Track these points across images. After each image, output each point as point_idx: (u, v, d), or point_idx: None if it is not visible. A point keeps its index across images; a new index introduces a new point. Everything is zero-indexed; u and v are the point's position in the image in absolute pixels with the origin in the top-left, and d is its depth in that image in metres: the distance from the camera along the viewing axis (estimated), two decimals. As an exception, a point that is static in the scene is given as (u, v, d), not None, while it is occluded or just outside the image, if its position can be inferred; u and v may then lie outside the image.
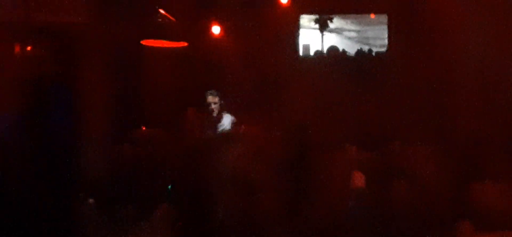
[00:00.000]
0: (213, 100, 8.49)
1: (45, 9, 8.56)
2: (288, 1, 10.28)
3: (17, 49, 8.66)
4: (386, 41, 11.07)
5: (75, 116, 8.45)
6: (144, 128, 8.91)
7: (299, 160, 6.34)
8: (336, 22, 11.34)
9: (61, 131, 8.28)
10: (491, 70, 8.95)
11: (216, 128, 8.44)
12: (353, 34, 11.39)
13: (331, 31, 11.36)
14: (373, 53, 11.15)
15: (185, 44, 8.43)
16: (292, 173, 6.17)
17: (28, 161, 7.42)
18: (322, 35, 11.31)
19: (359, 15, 11.30)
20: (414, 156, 6.14)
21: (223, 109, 8.54)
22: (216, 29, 10.20)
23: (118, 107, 8.88)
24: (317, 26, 11.31)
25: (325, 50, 11.32)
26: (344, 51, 11.23)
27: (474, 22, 9.20)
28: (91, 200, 6.27)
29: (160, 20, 8.12)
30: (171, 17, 8.21)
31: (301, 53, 11.24)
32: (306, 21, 11.29)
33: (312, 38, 11.33)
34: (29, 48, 8.87)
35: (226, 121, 8.49)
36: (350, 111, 8.96)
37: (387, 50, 11.03)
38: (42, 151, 7.91)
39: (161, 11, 8.12)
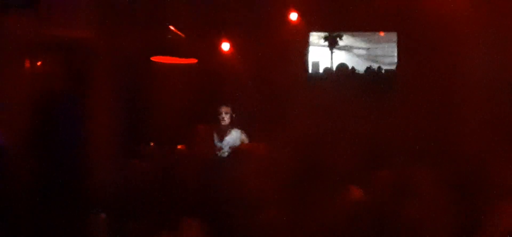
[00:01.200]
0: (225, 110, 8.50)
1: (56, 24, 8.60)
2: (297, 18, 10.30)
3: (27, 63, 8.70)
4: (395, 59, 11.07)
5: (85, 130, 8.48)
6: (152, 144, 8.92)
7: (308, 178, 6.33)
8: (345, 40, 11.33)
9: (71, 145, 8.30)
10: (503, 88, 8.94)
11: (225, 143, 8.45)
12: (362, 51, 11.38)
13: (341, 48, 11.35)
14: (383, 71, 11.14)
15: (195, 61, 8.46)
16: (300, 191, 6.16)
17: (38, 175, 7.44)
18: (332, 52, 11.31)
19: (368, 33, 11.30)
20: (423, 177, 6.12)
21: (233, 123, 8.55)
22: (225, 46, 10.23)
23: (128, 123, 8.91)
24: (326, 43, 11.31)
25: (334, 68, 11.33)
26: (353, 69, 11.23)
27: (485, 40, 9.20)
28: (103, 215, 6.28)
29: (170, 36, 8.14)
30: (181, 34, 8.23)
31: (310, 70, 11.25)
32: (316, 38, 11.30)
33: (321, 55, 11.33)
34: (39, 62, 8.91)
35: (235, 137, 8.50)
36: (359, 129, 8.94)
37: (396, 68, 11.03)
38: (52, 165, 7.94)
39: (171, 27, 8.14)
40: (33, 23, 8.40)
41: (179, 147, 8.65)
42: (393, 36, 11.05)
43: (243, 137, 8.48)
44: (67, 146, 8.24)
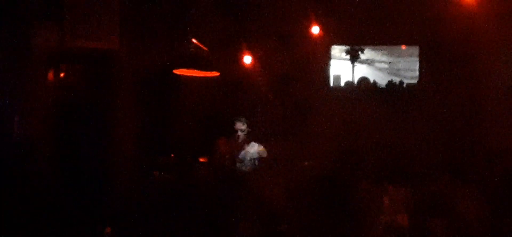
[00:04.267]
0: (240, 127, 8.54)
1: (79, 35, 8.70)
2: (319, 32, 10.32)
3: (51, 74, 8.81)
4: (417, 73, 11.04)
5: (106, 140, 8.56)
6: (173, 155, 8.97)
7: (328, 191, 6.33)
8: (367, 53, 11.34)
9: (92, 154, 8.39)
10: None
11: (244, 156, 8.48)
12: (384, 65, 11.38)
13: (362, 62, 11.36)
14: (404, 85, 11.12)
15: (217, 73, 8.50)
16: (320, 204, 6.17)
17: (58, 184, 7.53)
18: (353, 66, 11.32)
19: (390, 47, 11.29)
20: (448, 190, 6.11)
21: (251, 137, 8.58)
22: (247, 59, 10.27)
23: (149, 134, 8.97)
24: (348, 57, 11.32)
25: (356, 81, 11.33)
26: (375, 83, 11.22)
27: (507, 54, 9.17)
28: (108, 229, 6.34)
29: (192, 49, 8.19)
30: (203, 47, 8.28)
31: (332, 83, 11.26)
32: (338, 52, 11.32)
33: (343, 69, 11.35)
34: (63, 73, 9.02)
35: (254, 150, 8.51)
36: (381, 142, 8.93)
37: (418, 82, 11.00)
38: (73, 174, 8.04)
39: (194, 40, 8.19)
40: (58, 35, 8.52)
41: (200, 159, 8.70)
42: (415, 50, 11.03)
43: (262, 149, 8.50)
44: (88, 155, 8.34)
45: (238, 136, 8.48)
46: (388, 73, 11.31)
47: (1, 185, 7.27)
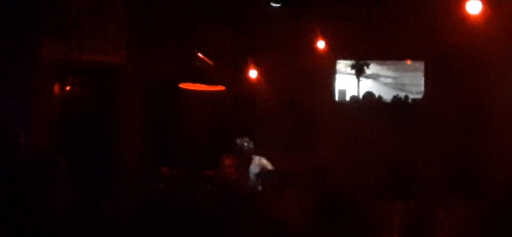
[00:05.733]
0: (243, 147, 8.39)
1: (86, 49, 8.72)
2: (325, 47, 10.33)
3: (57, 87, 8.83)
4: (422, 88, 11.04)
5: (111, 153, 8.56)
6: (177, 169, 8.96)
7: (333, 206, 6.31)
8: (372, 68, 11.35)
9: (96, 166, 8.39)
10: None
11: (249, 171, 8.45)
12: (389, 80, 11.38)
13: (368, 77, 11.37)
14: (410, 100, 11.12)
15: (223, 88, 8.51)
16: (325, 219, 6.15)
17: (63, 195, 7.52)
18: (358, 80, 11.33)
19: (395, 62, 11.30)
20: (451, 206, 6.08)
21: (257, 151, 8.55)
22: (253, 73, 10.28)
23: (153, 147, 8.97)
24: (353, 71, 11.33)
25: (361, 96, 11.33)
26: (380, 97, 11.21)
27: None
28: None
29: (198, 63, 8.21)
30: (209, 61, 8.30)
31: (337, 98, 11.26)
32: (343, 66, 11.32)
33: (348, 83, 11.35)
34: (69, 86, 9.04)
35: (256, 163, 8.48)
36: (385, 157, 8.93)
37: (423, 97, 10.99)
38: (77, 186, 8.03)
39: (200, 54, 8.21)
40: (65, 48, 8.54)
41: (203, 172, 8.68)
42: (420, 65, 11.03)
43: (265, 162, 8.46)
44: (93, 167, 8.33)
45: (241, 155, 8.35)
46: (393, 88, 11.31)
47: (7, 196, 7.27)
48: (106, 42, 8.85)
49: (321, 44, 10.32)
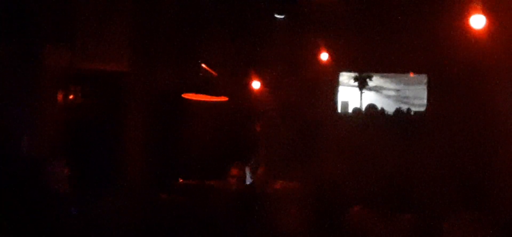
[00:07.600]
0: (236, 173, 8.24)
1: (90, 57, 8.76)
2: (328, 59, 10.35)
3: (61, 95, 8.85)
4: (425, 101, 11.05)
5: (115, 163, 8.57)
6: (181, 180, 8.97)
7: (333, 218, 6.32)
8: (375, 81, 11.38)
9: (100, 177, 8.39)
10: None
11: (253, 181, 8.47)
12: (392, 93, 11.42)
13: (370, 89, 11.40)
14: (412, 113, 11.12)
15: (226, 99, 8.53)
16: (325, 231, 6.15)
17: (66, 204, 7.53)
18: (361, 93, 11.36)
19: (398, 75, 11.32)
20: (453, 222, 6.08)
21: (260, 161, 8.56)
22: (256, 85, 10.30)
23: (158, 157, 8.98)
24: (356, 84, 11.36)
25: (363, 108, 11.34)
26: (382, 110, 11.23)
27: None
28: None
29: (201, 74, 8.24)
30: (212, 72, 8.33)
31: (340, 110, 11.27)
32: (346, 78, 11.35)
33: (351, 95, 11.37)
34: (73, 94, 9.06)
35: (262, 175, 8.49)
36: (387, 170, 8.92)
37: (426, 110, 11.00)
38: (81, 194, 8.03)
39: (203, 65, 8.24)
40: (69, 56, 8.57)
41: (208, 182, 8.69)
42: (423, 78, 11.05)
43: (267, 173, 8.45)
44: (96, 175, 8.35)
45: (233, 182, 8.13)
46: (396, 100, 11.35)
47: (10, 203, 7.28)
48: (110, 51, 8.88)
49: (324, 56, 10.33)
